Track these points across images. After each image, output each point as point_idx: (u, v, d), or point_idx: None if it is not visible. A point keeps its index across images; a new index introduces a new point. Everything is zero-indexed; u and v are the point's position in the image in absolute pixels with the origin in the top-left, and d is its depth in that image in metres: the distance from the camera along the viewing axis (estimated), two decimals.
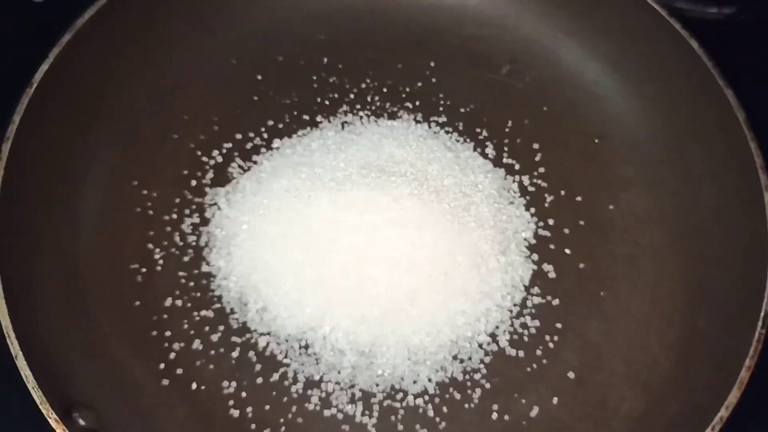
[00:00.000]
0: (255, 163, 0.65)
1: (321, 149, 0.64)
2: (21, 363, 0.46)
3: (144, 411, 0.52)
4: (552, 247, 0.61)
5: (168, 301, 0.58)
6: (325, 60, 0.71)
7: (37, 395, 0.45)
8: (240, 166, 0.65)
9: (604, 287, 0.60)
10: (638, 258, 0.61)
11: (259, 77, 0.70)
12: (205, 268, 0.60)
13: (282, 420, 0.54)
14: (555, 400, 0.55)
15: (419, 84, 0.70)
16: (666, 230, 0.62)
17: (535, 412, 0.54)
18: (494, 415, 0.54)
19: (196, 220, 0.62)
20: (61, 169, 0.59)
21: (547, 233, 0.62)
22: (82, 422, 0.46)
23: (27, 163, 0.56)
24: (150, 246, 0.60)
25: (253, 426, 0.53)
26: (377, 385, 0.55)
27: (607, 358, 0.56)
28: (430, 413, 0.54)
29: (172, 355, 0.56)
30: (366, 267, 0.56)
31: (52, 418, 0.44)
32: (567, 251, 0.61)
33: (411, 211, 0.57)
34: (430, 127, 0.67)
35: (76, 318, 0.55)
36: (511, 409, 0.54)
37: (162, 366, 0.55)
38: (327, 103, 0.69)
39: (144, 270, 0.59)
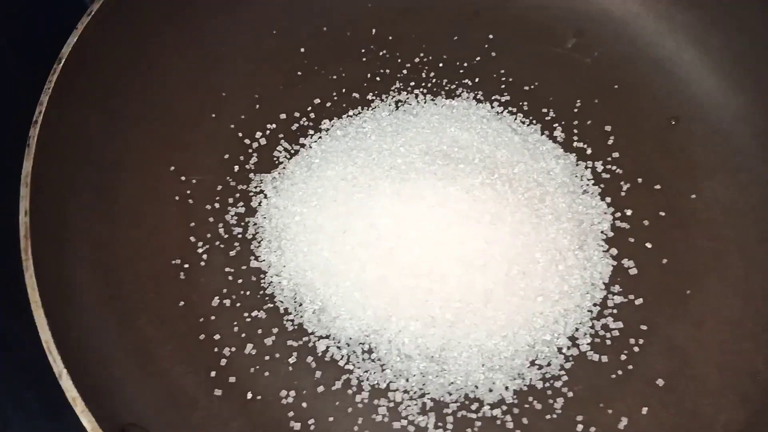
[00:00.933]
0: (303, 146, 0.59)
1: (376, 132, 0.59)
2: (66, 383, 0.41)
3: (198, 426, 0.47)
4: (631, 240, 0.56)
5: (215, 301, 0.52)
6: (374, 31, 0.65)
7: (87, 420, 0.39)
8: (286, 150, 0.59)
9: (690, 285, 0.54)
10: (725, 253, 0.56)
11: (303, 50, 0.63)
12: (254, 264, 0.54)
13: None
14: (644, 410, 0.50)
15: (477, 59, 0.64)
16: (755, 222, 0.57)
17: (623, 423, 0.49)
18: (579, 427, 0.49)
19: (241, 209, 0.56)
20: (93, 155, 0.53)
21: (625, 225, 0.57)
22: None
23: (56, 149, 0.50)
24: (192, 239, 0.55)
25: None
26: (450, 394, 0.50)
27: (698, 364, 0.52)
28: (509, 425, 0.49)
29: (224, 362, 0.50)
30: (436, 265, 0.51)
31: None
32: (648, 245, 0.56)
33: (484, 203, 0.52)
34: (492, 107, 0.61)
35: (117, 322, 0.49)
36: (597, 420, 0.50)
37: (213, 374, 0.50)
38: (378, 79, 0.63)
39: (187, 266, 0.54)
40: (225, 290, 0.53)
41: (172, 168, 0.57)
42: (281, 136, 0.59)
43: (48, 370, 0.42)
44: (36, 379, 0.50)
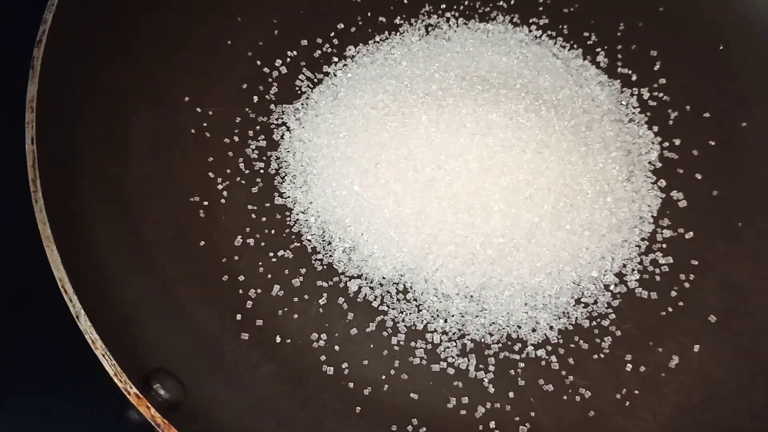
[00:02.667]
0: (327, 74, 0.55)
1: (406, 57, 0.54)
2: (85, 324, 0.37)
3: (226, 372, 0.44)
4: (680, 171, 0.53)
5: (238, 240, 0.49)
6: None
7: (110, 365, 0.36)
8: (309, 79, 0.55)
9: (743, 217, 0.51)
10: None
11: None
12: (278, 201, 0.50)
13: (384, 377, 0.46)
14: (696, 347, 0.47)
15: None
16: None
17: (675, 362, 0.47)
18: (628, 367, 0.46)
19: (262, 143, 0.52)
20: (101, 81, 0.49)
21: (673, 155, 0.53)
22: (164, 394, 0.38)
23: (62, 73, 0.45)
24: (211, 175, 0.51)
25: (351, 384, 0.46)
26: (491, 335, 0.47)
27: (754, 299, 0.49)
28: (555, 366, 0.46)
29: (249, 304, 0.47)
30: (477, 198, 0.47)
31: (132, 393, 0.36)
32: (698, 176, 0.52)
33: (530, 130, 0.48)
34: (530, 30, 0.57)
35: (137, 264, 0.46)
36: (647, 360, 0.47)
37: (239, 317, 0.47)
38: (405, 2, 0.58)
39: (206, 204, 0.50)
40: (248, 229, 0.49)
41: (187, 98, 0.53)
42: (303, 63, 0.55)
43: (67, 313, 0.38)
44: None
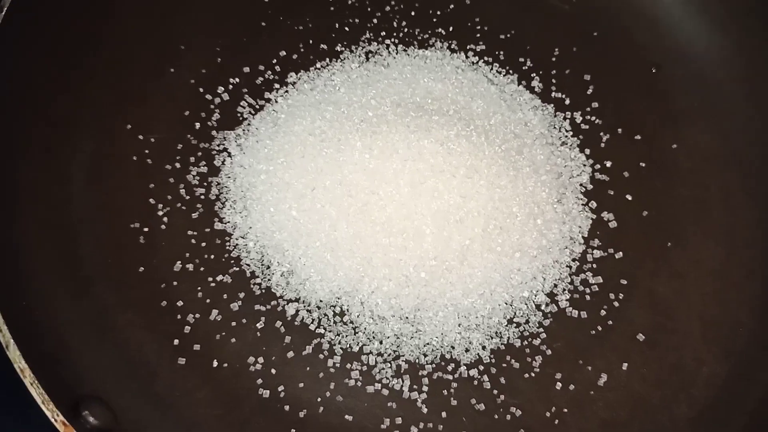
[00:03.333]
0: (268, 101, 0.56)
1: (345, 84, 0.56)
2: (13, 354, 0.38)
3: (160, 397, 0.45)
4: (611, 192, 0.54)
5: (177, 266, 0.50)
6: None
7: (38, 393, 0.37)
8: (251, 105, 0.56)
9: (672, 237, 0.53)
10: (707, 202, 0.54)
11: None
12: (218, 226, 0.51)
13: (319, 399, 0.47)
14: (625, 365, 0.49)
15: (451, 6, 0.61)
16: (738, 170, 0.55)
17: (603, 379, 0.48)
18: (558, 385, 0.48)
19: (203, 169, 0.53)
20: (44, 111, 0.50)
21: (605, 177, 0.55)
22: (93, 421, 0.39)
23: (3, 101, 0.46)
24: (151, 201, 0.52)
25: (287, 407, 0.46)
26: (425, 356, 0.48)
27: (680, 317, 0.50)
28: (487, 385, 0.48)
29: (187, 329, 0.48)
30: (409, 222, 0.49)
31: (59, 420, 0.36)
32: (628, 197, 0.54)
33: (460, 155, 0.49)
34: (467, 56, 0.58)
35: (73, 289, 0.47)
36: (577, 378, 0.48)
37: (176, 342, 0.47)
38: (347, 29, 0.59)
39: (146, 230, 0.51)
40: (188, 254, 0.50)
41: (129, 126, 0.53)
42: (245, 90, 0.56)
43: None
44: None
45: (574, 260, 0.52)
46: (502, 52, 0.59)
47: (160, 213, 0.51)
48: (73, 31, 0.52)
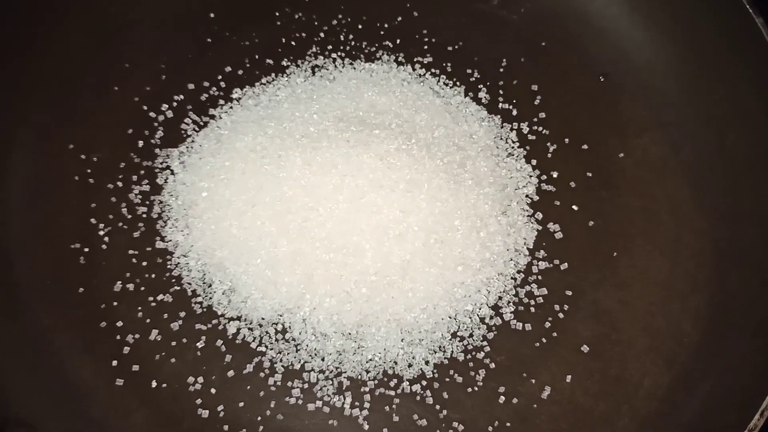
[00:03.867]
0: (212, 117, 0.56)
1: (289, 99, 0.55)
2: None
3: (95, 420, 0.44)
4: (557, 203, 0.54)
5: (118, 286, 0.49)
6: None
7: None
8: (195, 122, 0.55)
9: (618, 247, 0.53)
10: (654, 213, 0.54)
11: (212, 15, 0.60)
12: (159, 245, 0.51)
13: (259, 417, 0.46)
14: (568, 378, 0.48)
15: (399, 19, 0.61)
16: (686, 180, 0.55)
17: (546, 392, 0.48)
18: (501, 399, 0.48)
19: (145, 187, 0.53)
20: None
21: (551, 188, 0.55)
22: None
23: None
24: (93, 221, 0.51)
25: (226, 427, 0.46)
26: (367, 372, 0.48)
27: (625, 328, 0.50)
28: (429, 400, 0.47)
29: (126, 350, 0.48)
30: (350, 237, 0.48)
31: None
32: (574, 207, 0.54)
33: (400, 170, 0.49)
34: (414, 69, 0.58)
35: (9, 311, 0.46)
36: (520, 391, 0.48)
37: (115, 363, 0.47)
38: (293, 44, 0.59)
39: (87, 250, 0.50)
40: (128, 274, 0.50)
41: (72, 145, 0.53)
42: (189, 107, 0.56)
43: None
44: None
45: (519, 272, 0.51)
46: (449, 64, 0.59)
47: (101, 233, 0.51)
48: (15, 51, 0.52)
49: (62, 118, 0.54)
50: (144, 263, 0.50)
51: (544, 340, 0.50)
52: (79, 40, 0.56)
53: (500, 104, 0.57)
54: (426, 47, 0.60)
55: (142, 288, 0.50)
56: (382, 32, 0.60)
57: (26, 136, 0.52)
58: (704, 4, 0.55)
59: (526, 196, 0.54)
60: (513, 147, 0.56)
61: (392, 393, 0.48)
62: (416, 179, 0.49)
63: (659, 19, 0.59)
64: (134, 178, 0.53)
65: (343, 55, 0.59)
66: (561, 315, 0.50)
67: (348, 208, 0.48)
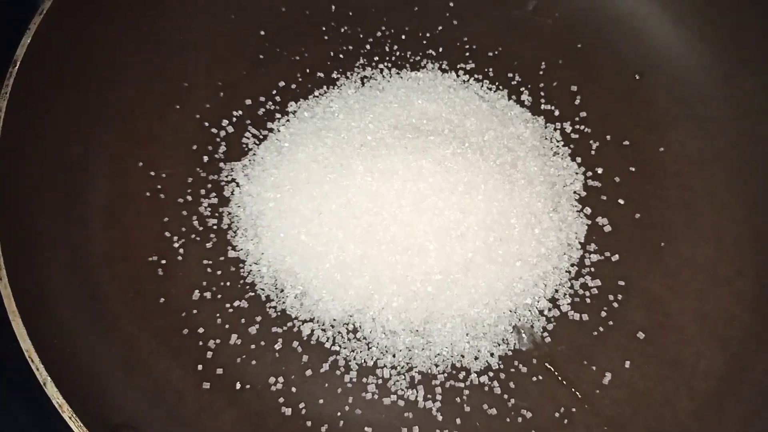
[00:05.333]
0: (271, 131, 0.58)
1: (343, 110, 0.58)
2: (51, 390, 0.40)
3: (188, 421, 0.47)
4: (604, 198, 0.57)
5: (196, 295, 0.52)
6: (333, 8, 0.64)
7: (76, 426, 0.39)
8: (255, 136, 0.58)
9: (664, 237, 0.55)
10: (695, 202, 0.57)
11: (263, 33, 0.62)
12: (231, 254, 0.54)
13: (339, 413, 0.49)
14: (627, 363, 0.51)
15: (440, 28, 0.63)
16: (721, 170, 0.58)
17: (607, 378, 0.50)
18: (565, 386, 0.50)
19: (214, 200, 0.56)
20: (58, 157, 0.52)
21: (597, 183, 0.57)
22: None
23: (20, 154, 0.49)
24: (167, 234, 0.54)
25: (309, 423, 0.49)
26: (437, 366, 0.51)
27: (676, 314, 0.53)
28: (497, 390, 0.50)
29: (209, 355, 0.50)
30: (413, 239, 0.51)
31: None
32: (620, 201, 0.57)
33: (457, 173, 0.52)
34: (458, 75, 0.61)
35: (99, 325, 0.49)
36: (582, 378, 0.51)
37: (200, 368, 0.50)
38: (341, 56, 0.62)
39: (164, 262, 0.53)
40: (204, 283, 0.53)
41: (141, 164, 0.56)
42: (248, 122, 0.59)
43: (33, 378, 0.42)
44: (23, 387, 0.50)
45: (572, 265, 0.54)
46: (491, 69, 0.62)
47: (176, 245, 0.54)
48: (82, 80, 0.55)
49: (130, 139, 0.57)
50: (218, 272, 0.53)
51: (601, 329, 0.52)
52: (137, 64, 0.59)
53: (542, 105, 0.60)
54: (467, 54, 0.62)
55: (219, 296, 0.52)
56: (424, 41, 0.63)
57: (99, 159, 0.55)
58: (733, 4, 0.58)
59: (574, 192, 0.57)
60: (558, 146, 0.58)
61: (461, 385, 0.50)
62: (473, 181, 0.52)
63: (688, 18, 0.62)
64: (202, 191, 0.56)
65: (389, 65, 0.62)
66: (615, 304, 0.53)
67: (410, 211, 0.51)
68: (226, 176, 0.57)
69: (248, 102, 0.59)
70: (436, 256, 0.51)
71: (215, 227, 0.55)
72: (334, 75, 0.61)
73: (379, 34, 0.63)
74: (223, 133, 0.58)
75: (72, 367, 0.44)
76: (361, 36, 0.63)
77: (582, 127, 0.59)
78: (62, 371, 0.42)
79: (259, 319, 0.52)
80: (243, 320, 0.52)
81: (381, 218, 0.51)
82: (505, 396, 0.50)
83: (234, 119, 0.59)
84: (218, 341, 0.51)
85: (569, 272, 0.54)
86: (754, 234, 0.54)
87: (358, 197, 0.52)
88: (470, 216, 0.51)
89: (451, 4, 0.64)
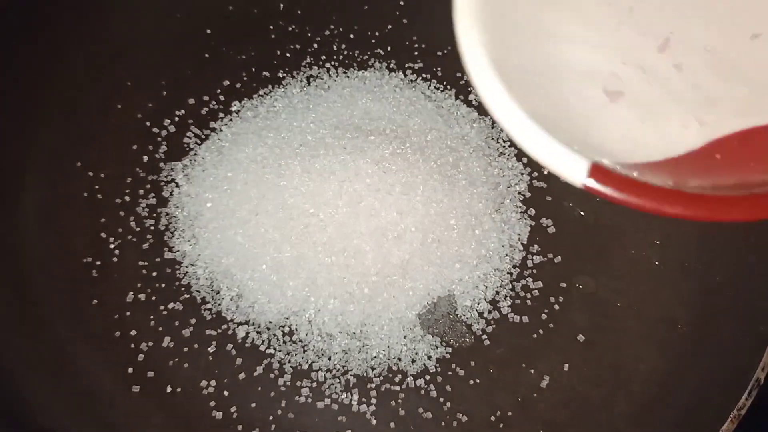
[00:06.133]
0: (213, 130, 0.58)
1: (287, 109, 0.57)
2: None
3: (116, 425, 0.46)
4: (549, 199, 0.56)
5: (130, 296, 0.51)
6: (281, 6, 0.63)
7: None
8: (197, 136, 0.57)
9: (608, 239, 0.55)
10: None
11: (209, 31, 0.61)
12: (168, 255, 0.53)
13: (271, 417, 0.49)
14: (566, 366, 0.50)
15: (389, 27, 0.63)
16: None
17: (546, 381, 0.50)
18: (502, 389, 0.50)
19: (152, 201, 0.55)
20: None
21: (542, 184, 0.56)
22: None
23: None
24: (103, 235, 0.53)
25: (240, 427, 0.48)
26: (373, 369, 0.50)
27: (618, 316, 0.52)
28: (433, 394, 0.49)
29: (141, 357, 0.50)
30: (350, 241, 0.50)
31: None
32: (565, 203, 0.56)
33: (395, 173, 0.51)
34: (405, 75, 0.60)
35: (28, 326, 0.48)
36: (520, 381, 0.50)
37: (131, 370, 0.49)
38: (288, 55, 0.61)
39: (99, 263, 0.52)
40: (139, 284, 0.52)
41: (79, 164, 0.55)
42: (191, 121, 0.58)
43: None
44: None
45: (514, 267, 0.53)
46: (439, 69, 0.61)
47: (112, 246, 0.53)
48: (22, 79, 0.54)
49: (70, 138, 0.56)
50: (154, 273, 0.52)
51: (541, 332, 0.52)
52: (80, 62, 0.58)
53: None
54: (416, 53, 0.62)
55: (153, 297, 0.52)
56: (373, 40, 0.62)
57: (36, 158, 0.54)
58: None
59: (519, 193, 0.56)
60: (504, 146, 0.58)
61: (397, 388, 0.50)
62: (411, 182, 0.51)
63: None
64: (141, 192, 0.55)
65: (336, 64, 0.61)
66: (556, 306, 0.52)
67: (347, 212, 0.50)
68: (166, 176, 0.56)
69: (191, 101, 0.59)
70: (373, 258, 0.50)
71: (152, 228, 0.54)
72: (280, 74, 0.60)
73: (327, 32, 0.62)
74: (164, 133, 0.57)
75: None
76: (309, 35, 0.62)
77: None
78: None
79: (193, 321, 0.51)
80: (177, 323, 0.51)
81: (317, 219, 0.51)
82: (441, 399, 0.49)
83: (176, 119, 0.58)
84: (150, 344, 0.50)
85: (511, 274, 0.53)
86: (699, 238, 0.53)
87: (295, 198, 0.51)
88: (408, 217, 0.51)
89: (402, 3, 0.63)
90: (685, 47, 0.30)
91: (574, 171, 0.27)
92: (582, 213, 0.55)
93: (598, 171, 0.27)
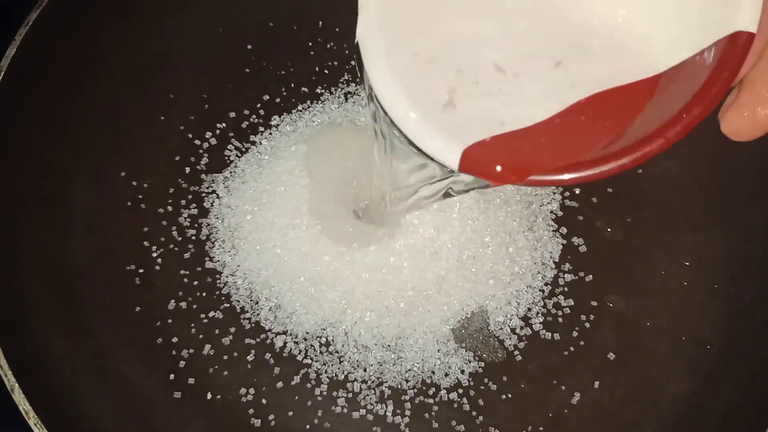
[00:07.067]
0: (253, 143, 0.59)
1: (325, 124, 0.59)
2: (18, 397, 0.41)
3: (157, 430, 0.48)
4: (580, 218, 0.57)
5: (171, 304, 0.53)
6: (320, 23, 0.64)
7: None
8: (237, 148, 0.59)
9: (639, 259, 0.56)
10: (672, 226, 0.57)
11: (249, 47, 0.63)
12: (209, 265, 0.55)
13: (308, 426, 0.50)
14: (596, 384, 0.51)
15: None
16: (701, 194, 0.58)
17: (576, 398, 0.51)
18: (534, 405, 0.51)
19: (194, 211, 0.56)
20: (41, 166, 0.53)
21: (574, 204, 0.58)
22: None
23: (4, 160, 0.50)
24: (146, 243, 0.55)
25: None
26: (407, 381, 0.51)
27: (648, 336, 0.53)
28: (466, 407, 0.50)
29: (182, 364, 0.51)
30: (388, 256, 0.52)
31: None
32: (597, 223, 0.57)
33: None
34: None
35: (73, 332, 0.50)
36: (551, 397, 0.51)
37: (172, 377, 0.50)
38: (326, 72, 0.63)
39: (142, 271, 0.54)
40: (181, 293, 0.53)
41: (123, 173, 0.57)
42: (231, 134, 0.59)
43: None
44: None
45: (546, 284, 0.55)
46: None
47: (154, 254, 0.54)
48: (68, 90, 0.55)
49: (114, 148, 0.57)
50: (195, 282, 0.54)
51: (572, 349, 0.53)
52: (125, 75, 0.59)
53: None
54: None
55: (194, 306, 0.53)
56: None
57: (83, 166, 0.55)
58: None
59: (551, 212, 0.57)
60: None
61: (431, 401, 0.51)
62: (448, 200, 0.53)
63: None
64: (183, 202, 0.57)
65: None
66: (587, 324, 0.53)
67: (385, 228, 0.52)
68: (207, 188, 0.57)
69: (232, 115, 0.60)
70: (409, 273, 0.52)
71: (194, 238, 0.55)
72: (318, 90, 0.62)
73: None
74: (206, 145, 0.59)
75: (43, 374, 0.45)
76: (347, 52, 0.63)
77: None
78: (32, 377, 0.43)
79: (233, 330, 0.52)
80: (217, 331, 0.52)
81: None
82: (474, 413, 0.50)
83: (217, 131, 0.59)
84: (191, 351, 0.51)
85: (543, 291, 0.54)
86: (729, 258, 0.55)
87: None
88: (444, 234, 0.52)
89: None
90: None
91: (449, 155, 0.29)
92: (612, 232, 0.57)
93: (469, 155, 0.28)
